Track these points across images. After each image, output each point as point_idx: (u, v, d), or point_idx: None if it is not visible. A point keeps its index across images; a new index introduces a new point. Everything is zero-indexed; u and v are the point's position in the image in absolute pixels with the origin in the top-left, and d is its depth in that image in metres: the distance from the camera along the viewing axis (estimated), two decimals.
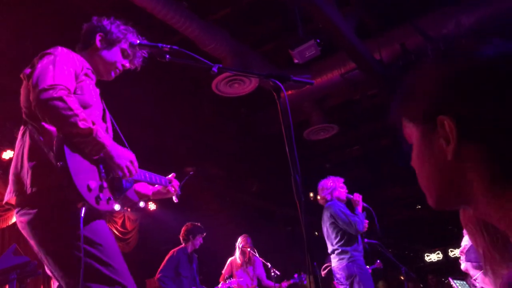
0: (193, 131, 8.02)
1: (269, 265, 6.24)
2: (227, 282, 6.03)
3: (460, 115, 0.74)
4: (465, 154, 0.74)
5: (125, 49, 2.35)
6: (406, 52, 6.05)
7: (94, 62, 2.31)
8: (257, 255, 6.33)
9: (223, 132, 8.39)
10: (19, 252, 3.94)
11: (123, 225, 8.85)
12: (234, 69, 4.75)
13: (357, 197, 5.12)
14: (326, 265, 5.87)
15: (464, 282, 2.64)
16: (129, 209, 9.04)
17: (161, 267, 5.63)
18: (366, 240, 6.60)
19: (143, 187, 2.59)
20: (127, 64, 2.39)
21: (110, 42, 2.32)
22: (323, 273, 6.23)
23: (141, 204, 8.94)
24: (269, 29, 6.34)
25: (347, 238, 4.95)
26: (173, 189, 2.65)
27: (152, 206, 9.33)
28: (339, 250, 4.94)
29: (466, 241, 3.05)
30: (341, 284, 4.98)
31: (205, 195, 9.74)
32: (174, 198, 2.73)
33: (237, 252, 6.47)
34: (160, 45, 2.17)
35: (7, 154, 6.68)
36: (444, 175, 0.79)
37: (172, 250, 5.82)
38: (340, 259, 4.91)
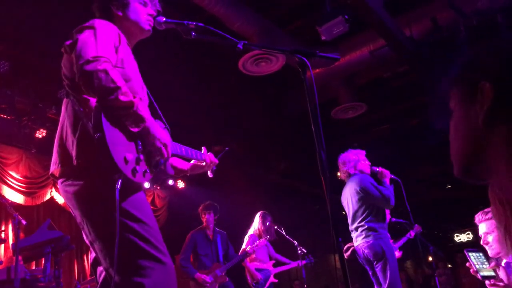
0: (220, 110, 8.05)
1: (296, 243, 6.25)
2: (256, 243, 5.90)
3: (500, 84, 0.74)
4: (497, 125, 0.75)
5: (141, 1, 2.32)
6: (437, 28, 5.87)
7: (126, 29, 2.29)
8: (284, 232, 6.33)
9: (250, 111, 8.38)
10: (53, 227, 4.07)
11: (153, 202, 9.04)
12: (259, 45, 4.73)
13: (383, 169, 4.78)
14: (347, 245, 5.73)
15: (480, 254, 2.56)
16: (158, 187, 9.21)
17: (181, 250, 5.74)
18: (394, 219, 6.46)
19: (179, 163, 2.60)
20: (153, 12, 2.34)
21: (125, 3, 2.28)
22: (346, 254, 6.03)
23: (170, 182, 9.08)
24: (296, 6, 6.25)
25: (374, 214, 4.62)
26: (208, 163, 2.65)
27: (180, 184, 9.48)
28: (365, 227, 4.61)
29: (483, 229, 2.97)
30: (366, 264, 4.73)
31: (232, 173, 9.81)
32: (209, 173, 2.73)
33: (257, 226, 6.30)
34: (186, 22, 2.16)
35: (40, 133, 6.86)
36: (473, 141, 0.79)
37: (189, 233, 5.86)
38: (366, 236, 4.59)
